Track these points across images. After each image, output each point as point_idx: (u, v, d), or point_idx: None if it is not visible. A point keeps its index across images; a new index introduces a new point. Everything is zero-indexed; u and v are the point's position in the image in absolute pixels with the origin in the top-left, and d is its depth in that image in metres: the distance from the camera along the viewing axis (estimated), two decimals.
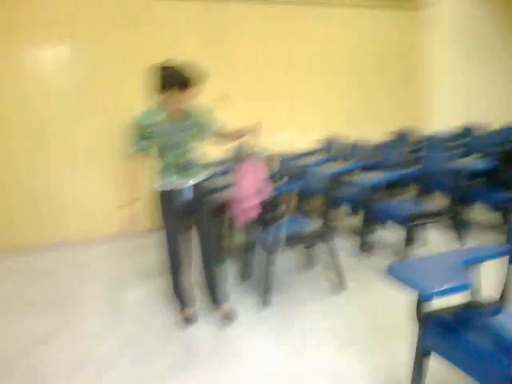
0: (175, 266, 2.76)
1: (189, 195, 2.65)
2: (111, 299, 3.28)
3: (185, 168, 2.62)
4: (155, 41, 4.53)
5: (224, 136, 2.77)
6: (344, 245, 4.15)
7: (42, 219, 4.39)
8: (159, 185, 2.62)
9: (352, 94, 5.66)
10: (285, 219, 3.04)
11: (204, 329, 2.80)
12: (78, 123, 4.39)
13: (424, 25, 5.95)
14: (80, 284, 3.56)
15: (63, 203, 4.45)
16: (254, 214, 2.82)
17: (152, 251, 4.25)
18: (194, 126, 2.61)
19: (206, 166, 2.79)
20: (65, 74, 4.29)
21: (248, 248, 3.40)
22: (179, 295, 2.85)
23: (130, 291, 3.40)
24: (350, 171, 4.84)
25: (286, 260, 3.83)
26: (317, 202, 5.06)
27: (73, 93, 4.34)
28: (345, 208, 5.01)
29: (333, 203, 3.92)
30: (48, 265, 4.00)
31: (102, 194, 4.58)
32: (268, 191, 2.86)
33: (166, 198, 2.62)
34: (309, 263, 3.71)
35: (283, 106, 5.25)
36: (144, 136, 2.50)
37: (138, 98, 4.50)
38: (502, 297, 2.01)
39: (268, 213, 2.95)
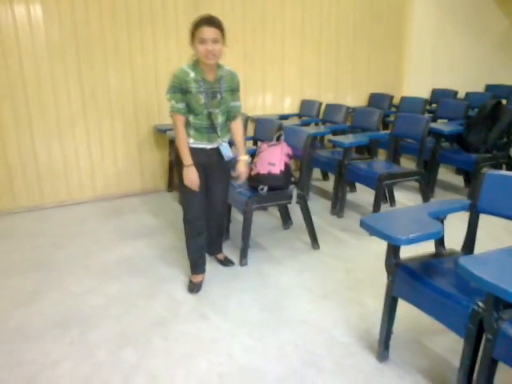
0: (196, 226, 2.80)
1: (213, 156, 2.71)
2: (95, 259, 3.33)
3: (212, 130, 2.64)
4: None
5: (232, 127, 2.82)
6: (317, 206, 4.30)
7: (19, 183, 4.34)
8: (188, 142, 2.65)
9: (329, 58, 5.67)
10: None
11: (184, 287, 2.91)
12: (62, 86, 4.32)
13: None
14: (63, 245, 3.58)
15: (42, 166, 4.39)
16: (275, 170, 3.13)
17: (137, 212, 4.33)
18: (224, 92, 2.63)
19: (228, 133, 2.81)
20: (49, 34, 4.14)
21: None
22: (195, 258, 2.88)
23: (113, 251, 3.45)
24: (324, 135, 4.97)
25: (261, 220, 3.96)
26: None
27: (57, 54, 4.22)
28: (316, 171, 5.15)
29: (308, 165, 4.02)
30: (29, 227, 3.98)
31: (81, 158, 4.56)
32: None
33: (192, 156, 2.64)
34: (284, 223, 3.85)
35: (258, 68, 5.25)
36: (182, 93, 2.52)
37: (115, 64, 4.50)
38: (464, 247, 2.19)
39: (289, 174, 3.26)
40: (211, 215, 2.97)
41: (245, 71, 5.17)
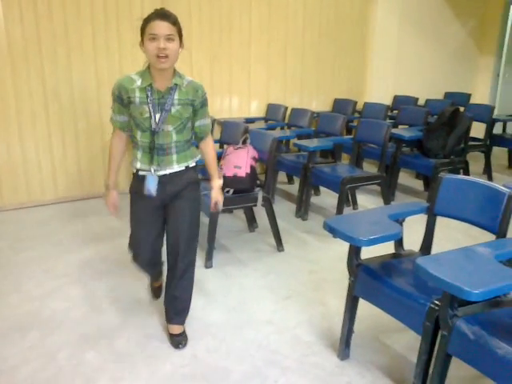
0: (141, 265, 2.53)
1: (168, 185, 2.18)
2: (56, 262, 3.25)
3: (162, 152, 2.13)
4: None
5: (200, 148, 2.34)
6: (282, 209, 4.35)
7: None
8: (133, 166, 2.22)
9: (295, 63, 5.74)
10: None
11: (147, 290, 2.88)
12: (23, 84, 4.21)
13: None
14: (23, 248, 3.48)
15: (0, 166, 4.29)
16: (241, 173, 3.17)
17: (99, 215, 4.22)
18: (178, 105, 2.09)
19: (192, 155, 2.25)
20: (10, 30, 3.99)
21: None
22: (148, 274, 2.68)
23: (74, 254, 3.38)
24: (289, 139, 5.04)
25: (227, 222, 3.97)
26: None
27: (19, 51, 4.10)
28: (282, 174, 5.21)
29: (273, 168, 4.06)
30: None
31: (42, 158, 4.44)
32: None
33: (137, 183, 2.23)
34: (249, 226, 3.87)
35: (225, 70, 5.27)
36: (122, 104, 2.09)
37: (79, 62, 4.42)
38: (422, 248, 2.27)
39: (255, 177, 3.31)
40: (169, 263, 2.33)
41: (212, 72, 5.18)
